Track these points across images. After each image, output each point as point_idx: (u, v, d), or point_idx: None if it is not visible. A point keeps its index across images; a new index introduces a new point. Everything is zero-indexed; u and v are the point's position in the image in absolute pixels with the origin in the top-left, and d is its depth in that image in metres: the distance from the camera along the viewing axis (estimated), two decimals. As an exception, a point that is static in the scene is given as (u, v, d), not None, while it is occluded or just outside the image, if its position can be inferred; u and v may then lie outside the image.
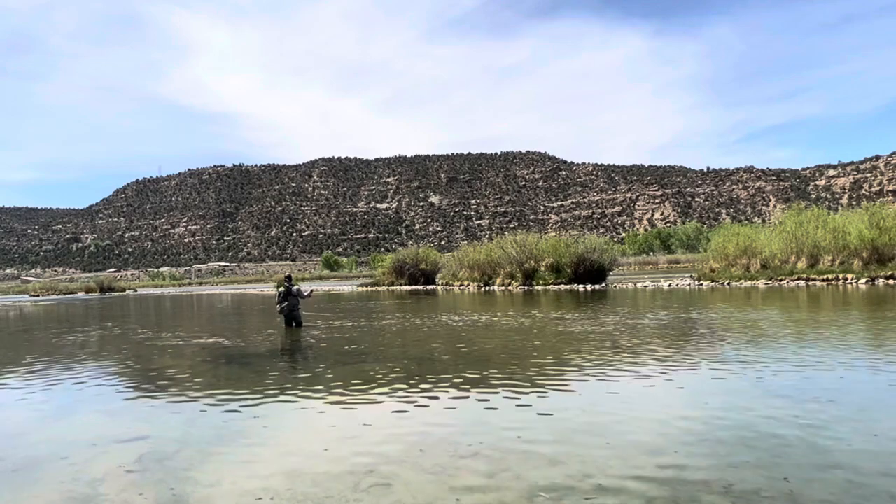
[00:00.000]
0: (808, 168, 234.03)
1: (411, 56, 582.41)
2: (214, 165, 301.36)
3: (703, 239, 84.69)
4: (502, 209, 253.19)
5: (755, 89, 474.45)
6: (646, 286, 31.40)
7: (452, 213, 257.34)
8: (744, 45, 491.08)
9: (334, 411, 6.88)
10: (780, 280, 28.73)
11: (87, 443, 5.94)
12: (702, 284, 30.85)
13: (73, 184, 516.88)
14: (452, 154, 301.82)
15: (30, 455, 5.63)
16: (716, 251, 34.36)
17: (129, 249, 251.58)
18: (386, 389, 7.84)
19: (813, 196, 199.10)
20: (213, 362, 10.99)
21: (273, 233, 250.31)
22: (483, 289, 39.03)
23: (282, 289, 16.43)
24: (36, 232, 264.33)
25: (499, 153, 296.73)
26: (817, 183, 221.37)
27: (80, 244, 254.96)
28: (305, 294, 16.98)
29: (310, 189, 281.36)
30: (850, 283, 25.70)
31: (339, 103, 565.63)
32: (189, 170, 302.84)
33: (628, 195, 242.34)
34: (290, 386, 8.36)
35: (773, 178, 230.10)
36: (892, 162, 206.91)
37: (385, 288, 48.03)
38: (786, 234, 30.98)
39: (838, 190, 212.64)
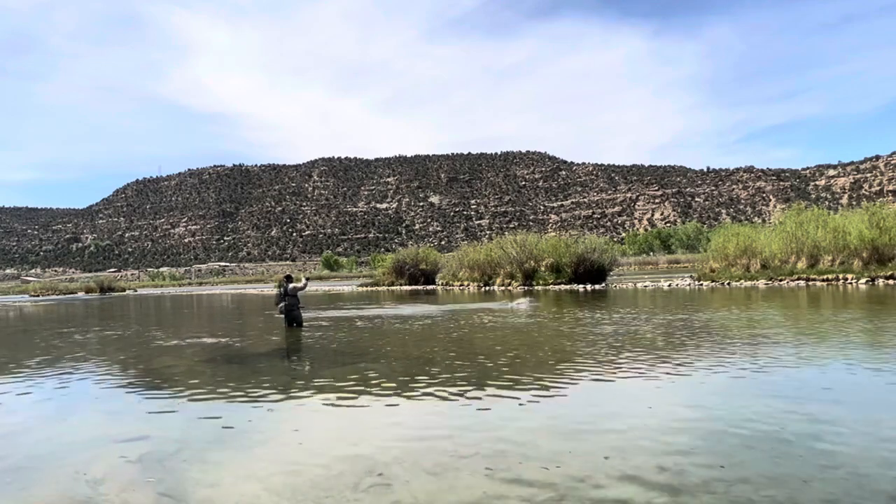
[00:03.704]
0: (808, 168, 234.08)
1: (411, 56, 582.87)
2: (214, 165, 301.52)
3: (703, 239, 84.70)
4: (502, 209, 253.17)
5: (755, 89, 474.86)
6: (646, 286, 31.40)
7: (452, 213, 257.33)
8: (744, 45, 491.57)
9: (334, 411, 6.88)
10: (780, 280, 28.73)
11: (87, 443, 5.94)
12: (702, 284, 30.85)
13: (73, 184, 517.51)
14: (452, 154, 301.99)
15: (30, 455, 5.63)
16: (716, 251, 34.38)
17: (129, 249, 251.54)
18: (386, 389, 7.84)
19: (813, 196, 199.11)
20: (213, 362, 10.99)
21: (273, 233, 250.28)
22: (483, 289, 39.02)
23: (281, 288, 16.46)
24: (36, 232, 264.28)
25: (499, 153, 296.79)
26: (817, 183, 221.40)
27: (80, 244, 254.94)
28: (293, 286, 16.38)
29: (310, 189, 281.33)
30: (850, 283, 25.70)
31: (339, 103, 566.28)
32: (189, 170, 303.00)
33: (628, 195, 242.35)
34: (289, 385, 8.35)
35: (773, 178, 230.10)
36: (892, 162, 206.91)
37: (385, 288, 48.01)
38: (786, 234, 30.99)
39: (838, 190, 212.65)
